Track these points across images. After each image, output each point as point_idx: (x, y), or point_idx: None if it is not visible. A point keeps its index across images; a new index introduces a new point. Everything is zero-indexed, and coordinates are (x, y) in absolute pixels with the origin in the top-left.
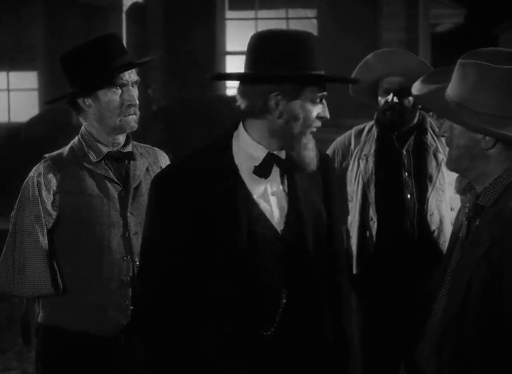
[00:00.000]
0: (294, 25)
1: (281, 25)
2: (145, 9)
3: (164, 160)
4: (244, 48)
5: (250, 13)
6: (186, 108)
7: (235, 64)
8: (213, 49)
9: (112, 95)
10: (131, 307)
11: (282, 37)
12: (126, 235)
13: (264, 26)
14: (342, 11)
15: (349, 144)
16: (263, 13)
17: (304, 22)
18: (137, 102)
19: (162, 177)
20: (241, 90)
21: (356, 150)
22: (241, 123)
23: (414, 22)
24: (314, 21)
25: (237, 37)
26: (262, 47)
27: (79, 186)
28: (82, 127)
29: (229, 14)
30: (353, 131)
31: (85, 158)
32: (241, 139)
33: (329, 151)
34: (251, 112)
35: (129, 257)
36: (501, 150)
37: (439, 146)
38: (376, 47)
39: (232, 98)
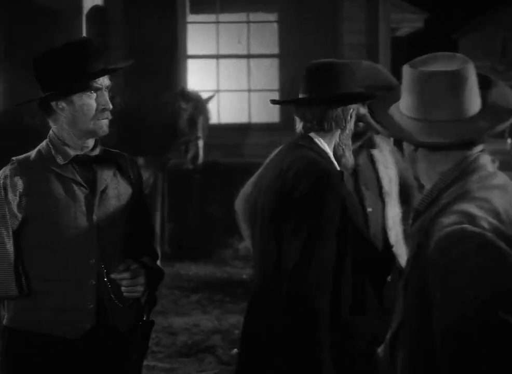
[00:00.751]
0: (255, 29)
1: (242, 29)
2: (105, 11)
3: (133, 165)
4: (206, 51)
5: (211, 17)
6: (142, 112)
7: (196, 68)
8: (174, 52)
9: (87, 99)
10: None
11: (341, 63)
12: (93, 237)
13: (225, 29)
14: (303, 15)
15: None
16: (224, 17)
17: (265, 25)
18: (111, 106)
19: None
20: (320, 109)
21: None
22: (313, 136)
23: (374, 26)
24: (275, 24)
25: (198, 40)
26: (331, 74)
27: (46, 188)
28: (51, 130)
29: (190, 17)
30: None
31: (53, 161)
32: (320, 151)
33: None
34: (331, 127)
35: (94, 260)
36: (426, 154)
37: (387, 162)
38: (337, 51)
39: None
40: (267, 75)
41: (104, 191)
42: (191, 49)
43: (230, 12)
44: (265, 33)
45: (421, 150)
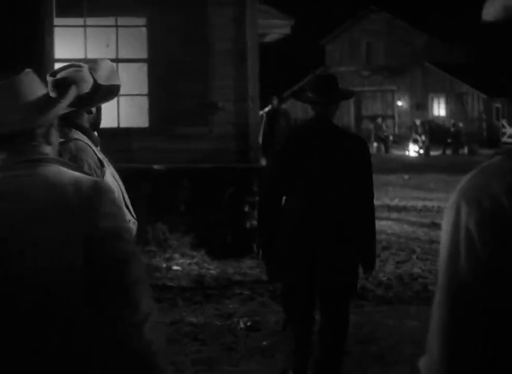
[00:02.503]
0: (124, 33)
1: (110, 33)
2: None
3: None
4: (74, 55)
5: (79, 21)
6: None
7: None
8: (41, 57)
9: None
10: None
11: None
12: None
13: (92, 33)
14: (172, 20)
15: None
16: (91, 21)
17: (134, 30)
18: None
19: None
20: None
21: None
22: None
23: (242, 32)
24: (144, 29)
25: (66, 44)
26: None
27: None
28: None
29: (57, 21)
30: None
31: None
32: None
33: None
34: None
35: None
36: None
37: None
38: (206, 56)
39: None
40: (136, 79)
41: None
42: (59, 53)
43: (98, 16)
44: (133, 37)
45: None
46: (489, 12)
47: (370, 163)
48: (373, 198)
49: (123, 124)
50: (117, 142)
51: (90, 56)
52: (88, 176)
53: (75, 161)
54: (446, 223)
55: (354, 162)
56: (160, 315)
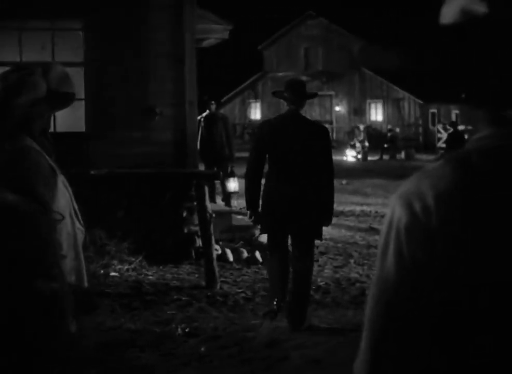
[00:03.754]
0: (60, 36)
1: (46, 36)
2: None
3: None
4: (9, 58)
5: (14, 23)
6: None
7: None
8: None
9: None
10: None
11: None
12: None
13: (28, 36)
14: (109, 24)
15: None
16: (27, 24)
17: (70, 33)
18: None
19: None
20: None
21: None
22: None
23: (179, 36)
24: (80, 32)
25: (1, 47)
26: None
27: None
28: None
29: None
30: None
31: None
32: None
33: None
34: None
35: None
36: None
37: None
38: (144, 60)
39: None
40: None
41: None
42: None
43: (33, 18)
44: (70, 41)
45: None
46: (447, 15)
47: (331, 145)
48: (333, 172)
49: (59, 129)
50: (53, 146)
51: (25, 59)
52: (16, 203)
53: (29, 169)
54: (384, 221)
55: (319, 143)
56: (98, 322)
